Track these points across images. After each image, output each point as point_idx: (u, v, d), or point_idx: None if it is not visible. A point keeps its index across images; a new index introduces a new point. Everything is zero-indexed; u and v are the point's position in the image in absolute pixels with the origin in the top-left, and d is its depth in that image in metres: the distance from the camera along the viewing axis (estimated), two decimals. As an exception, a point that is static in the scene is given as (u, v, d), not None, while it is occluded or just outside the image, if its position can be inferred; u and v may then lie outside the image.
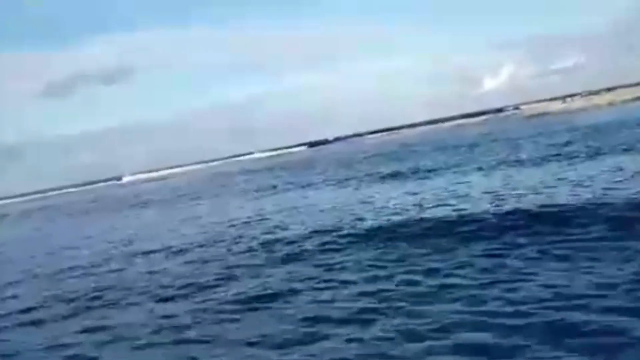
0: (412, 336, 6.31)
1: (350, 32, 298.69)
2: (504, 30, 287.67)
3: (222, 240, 14.05)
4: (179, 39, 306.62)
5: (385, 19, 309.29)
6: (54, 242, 20.61)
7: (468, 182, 17.66)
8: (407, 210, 13.91)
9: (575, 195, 12.44)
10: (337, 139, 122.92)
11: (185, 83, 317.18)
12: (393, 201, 15.81)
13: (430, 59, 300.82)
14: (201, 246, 13.78)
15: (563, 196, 12.51)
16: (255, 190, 28.67)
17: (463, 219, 11.47)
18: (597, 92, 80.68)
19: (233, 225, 16.33)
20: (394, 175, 23.33)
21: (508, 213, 11.36)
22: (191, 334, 7.63)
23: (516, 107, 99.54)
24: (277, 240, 12.56)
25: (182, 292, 9.76)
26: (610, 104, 63.91)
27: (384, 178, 23.12)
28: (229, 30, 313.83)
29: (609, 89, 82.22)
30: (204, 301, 8.99)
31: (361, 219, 13.59)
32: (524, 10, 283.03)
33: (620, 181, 13.43)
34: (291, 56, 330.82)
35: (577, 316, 6.10)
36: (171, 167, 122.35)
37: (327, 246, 11.23)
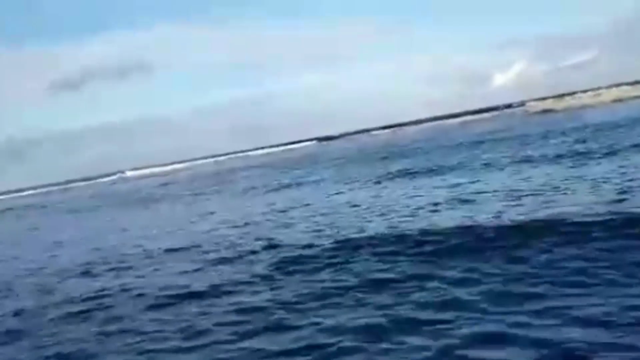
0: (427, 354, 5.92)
1: (355, 31, 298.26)
2: (508, 28, 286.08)
3: (226, 242, 13.48)
4: (184, 36, 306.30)
5: (387, 17, 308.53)
6: (52, 240, 20.21)
7: (479, 181, 17.12)
8: (419, 211, 13.34)
9: (593, 196, 11.91)
10: (343, 135, 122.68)
11: (190, 81, 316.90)
12: (403, 202, 15.21)
13: (436, 57, 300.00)
14: (204, 247, 13.24)
15: (582, 197, 11.95)
16: (259, 187, 28.28)
17: (479, 225, 10.67)
18: (605, 89, 79.98)
19: (237, 226, 15.82)
20: (403, 173, 22.81)
21: (522, 219, 10.60)
22: (194, 343, 7.22)
23: (522, 104, 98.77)
24: (281, 244, 11.95)
25: (184, 297, 9.29)
26: (619, 100, 63.38)
27: (392, 176, 22.59)
28: (231, 29, 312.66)
29: (617, 85, 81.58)
30: (208, 307, 8.55)
31: (369, 221, 13.01)
32: (528, 8, 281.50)
33: (637, 180, 12.97)
34: (295, 55, 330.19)
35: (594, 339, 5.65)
36: (175, 163, 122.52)
37: (335, 253, 10.47)
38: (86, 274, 12.57)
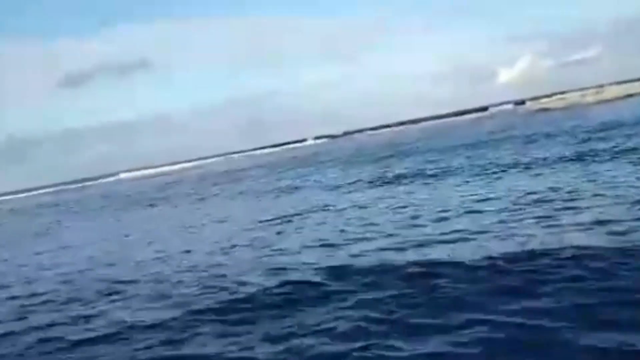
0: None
1: (359, 28, 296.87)
2: (511, 25, 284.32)
3: (217, 258, 12.18)
4: (186, 33, 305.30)
5: (389, 14, 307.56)
6: (49, 247, 19.66)
7: (486, 186, 16.32)
8: (421, 224, 12.25)
9: (609, 208, 10.96)
10: (347, 134, 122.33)
11: (193, 78, 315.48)
12: (405, 213, 13.95)
13: (439, 54, 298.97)
14: (198, 267, 11.69)
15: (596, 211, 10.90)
16: (261, 190, 27.72)
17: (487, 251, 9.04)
18: (608, 85, 79.35)
19: (233, 235, 15.02)
20: (405, 177, 22.19)
21: (532, 241, 9.22)
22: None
23: (523, 102, 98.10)
24: (276, 265, 10.50)
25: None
26: (624, 97, 62.73)
27: (395, 179, 21.94)
28: (236, 23, 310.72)
29: (621, 83, 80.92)
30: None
31: (370, 239, 11.57)
32: (533, 5, 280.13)
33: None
34: (298, 53, 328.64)
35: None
36: (181, 162, 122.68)
37: (330, 282, 8.87)
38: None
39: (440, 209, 13.75)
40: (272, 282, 9.32)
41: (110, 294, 10.62)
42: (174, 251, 14.06)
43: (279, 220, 16.19)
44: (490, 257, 8.66)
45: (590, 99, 69.08)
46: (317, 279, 9.12)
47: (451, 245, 9.94)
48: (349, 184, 22.94)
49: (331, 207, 17.21)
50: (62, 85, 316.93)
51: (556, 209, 11.47)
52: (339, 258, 10.32)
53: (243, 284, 9.54)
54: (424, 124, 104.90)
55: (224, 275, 10.42)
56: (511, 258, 8.46)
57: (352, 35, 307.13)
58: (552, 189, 13.77)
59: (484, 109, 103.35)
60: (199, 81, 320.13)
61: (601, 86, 79.53)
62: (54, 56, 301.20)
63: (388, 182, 21.46)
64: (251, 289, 9.08)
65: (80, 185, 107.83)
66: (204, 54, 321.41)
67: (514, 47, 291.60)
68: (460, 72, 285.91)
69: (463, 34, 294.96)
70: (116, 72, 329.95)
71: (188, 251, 13.79)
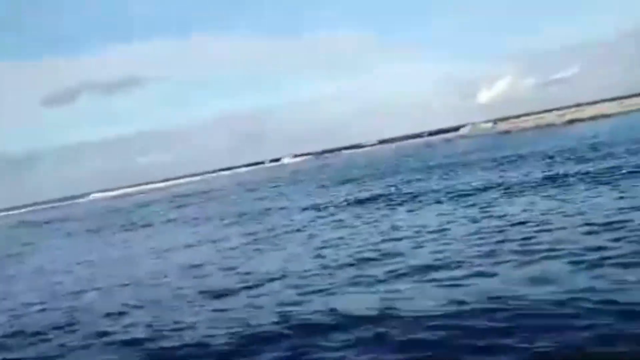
0: None
1: (340, 47, 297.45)
2: (492, 43, 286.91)
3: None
4: (179, 50, 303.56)
5: (373, 34, 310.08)
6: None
7: (457, 211, 15.67)
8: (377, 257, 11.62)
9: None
10: (324, 151, 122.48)
11: (182, 97, 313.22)
12: (371, 239, 13.37)
13: (421, 73, 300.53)
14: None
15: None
16: (222, 215, 26.91)
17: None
18: (585, 105, 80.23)
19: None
20: (377, 198, 21.76)
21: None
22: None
23: (499, 121, 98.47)
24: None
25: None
26: (603, 116, 63.23)
27: (365, 202, 21.35)
28: (231, 41, 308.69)
29: (598, 102, 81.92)
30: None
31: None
32: (515, 23, 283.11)
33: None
34: (281, 71, 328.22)
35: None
36: (152, 182, 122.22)
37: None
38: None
39: (416, 230, 13.60)
40: (229, 324, 8.57)
41: (59, 328, 10.08)
42: (139, 279, 13.56)
43: (250, 246, 15.73)
44: (458, 292, 8.26)
45: (568, 118, 69.58)
46: (276, 319, 8.43)
47: (422, 278, 9.42)
48: (325, 204, 22.62)
49: (306, 230, 16.87)
50: (43, 104, 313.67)
51: (529, 234, 11.22)
52: (302, 295, 9.56)
53: (197, 327, 8.71)
54: (402, 142, 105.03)
55: (178, 315, 9.64)
56: (481, 294, 8.01)
57: (335, 54, 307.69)
58: (525, 211, 13.66)
59: (459, 128, 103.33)
60: (189, 98, 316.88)
61: (579, 105, 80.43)
62: (37, 74, 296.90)
63: (364, 203, 21.20)
64: (204, 332, 8.33)
65: (53, 205, 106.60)
66: (196, 71, 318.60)
67: (495, 66, 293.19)
68: (440, 91, 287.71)
69: (444, 53, 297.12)
70: (100, 91, 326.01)
71: (155, 277, 13.34)
